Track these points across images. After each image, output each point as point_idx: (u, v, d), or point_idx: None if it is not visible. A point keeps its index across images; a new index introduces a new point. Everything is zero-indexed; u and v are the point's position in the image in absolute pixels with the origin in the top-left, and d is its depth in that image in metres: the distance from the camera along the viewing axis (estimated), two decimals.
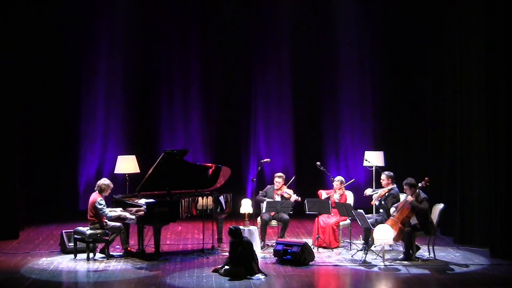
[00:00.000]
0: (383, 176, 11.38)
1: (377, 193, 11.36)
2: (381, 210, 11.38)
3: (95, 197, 10.74)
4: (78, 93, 14.61)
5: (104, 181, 10.93)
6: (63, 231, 11.25)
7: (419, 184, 10.70)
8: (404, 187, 10.81)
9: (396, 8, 14.48)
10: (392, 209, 10.89)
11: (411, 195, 10.67)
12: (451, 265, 10.46)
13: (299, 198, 11.70)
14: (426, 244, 11.01)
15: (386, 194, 11.21)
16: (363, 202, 11.75)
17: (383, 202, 11.20)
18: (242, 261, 9.74)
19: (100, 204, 10.66)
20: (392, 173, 11.42)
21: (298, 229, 13.12)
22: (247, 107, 14.98)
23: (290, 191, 11.84)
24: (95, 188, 10.89)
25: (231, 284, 9.42)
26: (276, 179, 11.88)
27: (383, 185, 11.33)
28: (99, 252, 10.80)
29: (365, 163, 13.12)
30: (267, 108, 15.04)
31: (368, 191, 11.58)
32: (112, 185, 10.94)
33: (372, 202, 11.31)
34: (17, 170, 12.42)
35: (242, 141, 15.00)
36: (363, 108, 14.96)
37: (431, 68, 13.45)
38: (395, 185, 11.29)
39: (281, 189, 11.85)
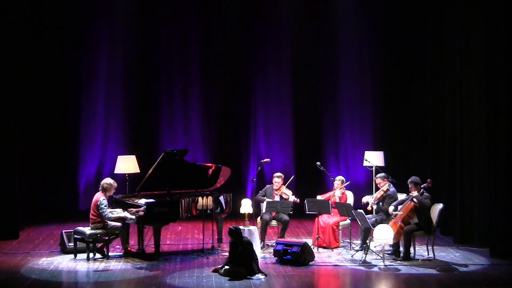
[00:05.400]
0: (378, 180, 11.35)
1: (372, 197, 11.34)
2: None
3: (98, 196, 10.73)
4: (78, 93, 14.61)
5: (107, 180, 10.93)
6: (63, 231, 11.25)
7: (422, 185, 10.71)
8: (409, 185, 10.82)
9: (396, 8, 14.47)
10: (391, 208, 10.86)
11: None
12: (451, 265, 10.47)
13: (298, 200, 11.66)
14: (425, 244, 11.00)
15: (383, 195, 11.19)
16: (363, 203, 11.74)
17: (381, 204, 11.19)
18: (242, 261, 9.74)
19: (102, 204, 10.66)
20: (383, 173, 11.42)
21: (298, 229, 13.12)
22: (247, 107, 14.98)
23: (289, 192, 11.81)
24: (99, 188, 10.89)
25: (231, 284, 9.42)
26: (275, 179, 11.87)
27: (381, 187, 11.31)
28: (96, 251, 10.77)
29: (365, 163, 13.12)
30: (267, 108, 15.03)
31: (365, 199, 11.55)
32: (115, 184, 10.93)
33: (368, 208, 11.27)
34: (17, 170, 12.41)
35: (242, 141, 15.00)
36: (363, 108, 14.95)
37: (431, 68, 13.46)
38: (390, 185, 11.29)
39: (280, 189, 11.84)
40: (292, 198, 11.68)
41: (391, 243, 10.65)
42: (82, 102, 14.63)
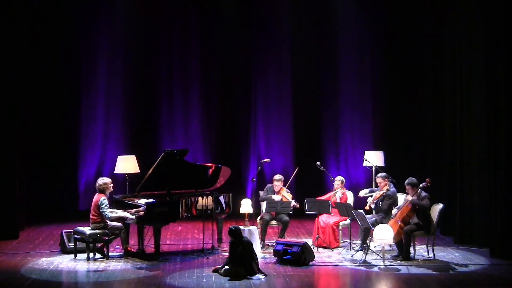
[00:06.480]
0: (379, 179, 11.32)
1: (371, 195, 11.33)
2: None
3: (99, 196, 10.73)
4: (78, 93, 14.61)
5: (100, 181, 10.88)
6: (63, 231, 11.25)
7: (421, 185, 10.70)
8: (406, 187, 10.80)
9: (396, 8, 14.48)
10: (394, 211, 10.87)
11: (413, 195, 10.67)
12: (451, 265, 10.47)
13: (297, 205, 11.63)
14: (425, 244, 11.00)
15: (382, 196, 11.18)
16: (363, 203, 11.73)
17: (380, 204, 11.17)
18: (242, 261, 9.74)
19: (102, 204, 10.65)
20: (384, 173, 11.41)
21: (298, 229, 13.12)
22: (247, 107, 14.97)
23: (289, 196, 11.77)
24: (96, 190, 10.88)
25: (231, 284, 9.42)
26: (275, 183, 11.82)
27: (381, 187, 11.30)
28: (96, 251, 10.76)
29: (365, 163, 13.13)
30: (267, 108, 15.03)
31: (362, 193, 11.55)
32: (109, 181, 10.89)
33: (367, 207, 11.27)
34: (17, 170, 12.41)
35: (242, 141, 15.00)
36: (363, 108, 14.94)
37: (431, 68, 13.45)
38: (391, 185, 11.28)
39: (280, 192, 11.81)
40: (292, 202, 11.62)
41: (391, 243, 10.64)
42: (82, 102, 14.63)
